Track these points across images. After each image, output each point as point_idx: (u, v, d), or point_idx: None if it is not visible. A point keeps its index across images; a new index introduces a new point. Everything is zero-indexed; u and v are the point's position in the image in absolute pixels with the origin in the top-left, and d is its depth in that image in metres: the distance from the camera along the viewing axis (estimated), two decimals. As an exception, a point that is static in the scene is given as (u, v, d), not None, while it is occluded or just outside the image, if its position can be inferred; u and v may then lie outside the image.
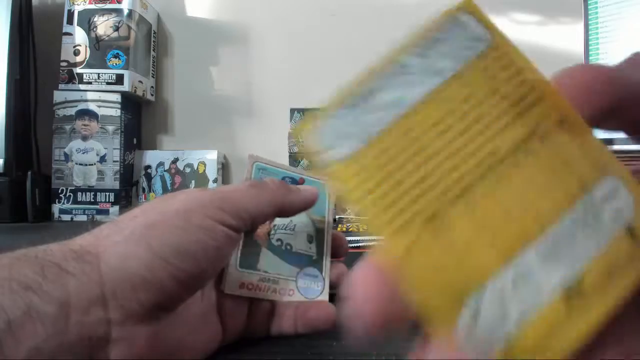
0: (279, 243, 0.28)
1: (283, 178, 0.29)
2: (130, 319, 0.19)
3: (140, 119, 0.98)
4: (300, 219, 0.29)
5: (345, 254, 0.31)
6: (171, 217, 0.22)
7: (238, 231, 0.23)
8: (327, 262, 0.29)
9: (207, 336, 0.24)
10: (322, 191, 0.30)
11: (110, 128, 0.85)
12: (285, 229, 0.29)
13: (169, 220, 0.22)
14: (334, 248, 0.30)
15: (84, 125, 0.84)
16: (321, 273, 0.28)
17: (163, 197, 0.24)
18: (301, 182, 0.30)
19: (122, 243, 0.21)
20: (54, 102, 0.84)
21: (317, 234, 0.29)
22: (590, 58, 0.80)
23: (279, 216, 0.27)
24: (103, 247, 0.20)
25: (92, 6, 0.86)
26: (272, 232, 0.28)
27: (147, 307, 0.20)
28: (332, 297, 0.28)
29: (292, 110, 0.83)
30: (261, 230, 0.28)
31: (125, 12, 0.86)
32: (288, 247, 0.28)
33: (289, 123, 0.83)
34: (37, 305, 0.17)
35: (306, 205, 0.27)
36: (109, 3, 0.86)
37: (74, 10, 0.86)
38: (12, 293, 0.17)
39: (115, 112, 0.85)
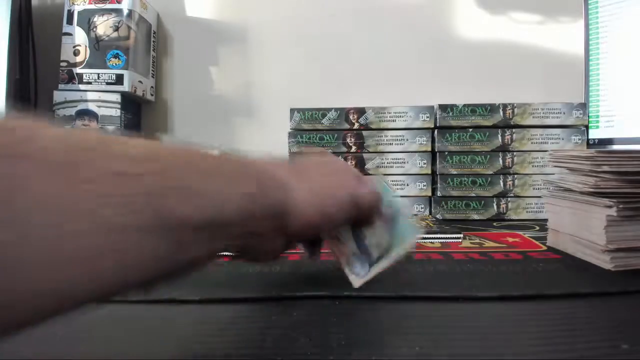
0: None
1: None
2: (298, 210, 0.29)
3: (140, 119, 0.98)
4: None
5: None
6: (326, 169, 0.34)
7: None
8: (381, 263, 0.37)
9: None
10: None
11: (110, 128, 0.85)
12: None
13: (324, 169, 0.34)
14: None
15: (84, 125, 0.84)
16: (369, 267, 0.37)
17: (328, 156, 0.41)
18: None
19: (296, 185, 0.29)
20: (53, 102, 0.84)
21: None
22: (591, 58, 0.80)
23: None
24: (290, 186, 0.29)
25: (92, 6, 0.86)
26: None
27: (309, 219, 0.30)
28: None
29: (292, 110, 0.83)
30: None
31: (125, 12, 0.86)
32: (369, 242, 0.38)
33: (289, 123, 0.83)
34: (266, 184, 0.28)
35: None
36: (109, 3, 0.86)
37: (73, 10, 0.86)
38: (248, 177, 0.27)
39: (115, 112, 0.85)
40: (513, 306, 0.32)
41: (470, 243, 0.55)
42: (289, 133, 0.82)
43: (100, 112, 0.84)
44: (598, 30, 0.79)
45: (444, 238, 0.56)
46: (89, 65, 0.85)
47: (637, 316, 0.30)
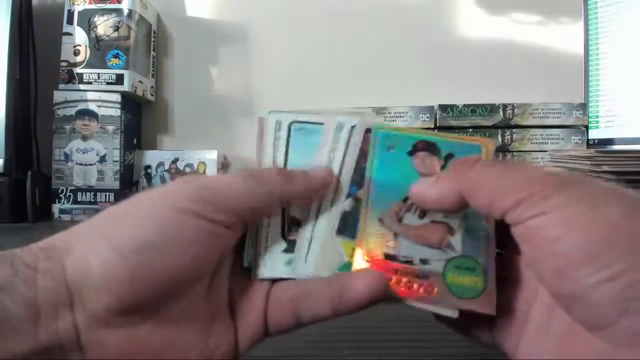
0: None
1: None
2: (96, 323, 0.18)
3: (140, 119, 0.98)
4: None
5: None
6: (141, 207, 0.19)
7: (226, 227, 0.20)
8: None
9: (213, 341, 0.21)
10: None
11: (110, 128, 0.85)
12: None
13: (137, 210, 0.19)
14: None
15: (84, 125, 0.84)
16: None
17: (150, 189, 0.21)
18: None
19: (84, 237, 0.19)
20: (54, 102, 0.84)
21: None
22: (590, 58, 0.80)
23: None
24: (69, 242, 0.19)
25: (92, 6, 0.86)
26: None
27: (112, 310, 0.18)
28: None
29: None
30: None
31: (125, 12, 0.86)
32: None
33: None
34: (9, 307, 0.16)
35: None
36: (109, 3, 0.86)
37: (73, 10, 0.86)
38: None
39: (115, 112, 0.85)
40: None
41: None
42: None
43: (101, 112, 0.84)
44: (598, 31, 0.79)
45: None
46: (89, 65, 0.85)
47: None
